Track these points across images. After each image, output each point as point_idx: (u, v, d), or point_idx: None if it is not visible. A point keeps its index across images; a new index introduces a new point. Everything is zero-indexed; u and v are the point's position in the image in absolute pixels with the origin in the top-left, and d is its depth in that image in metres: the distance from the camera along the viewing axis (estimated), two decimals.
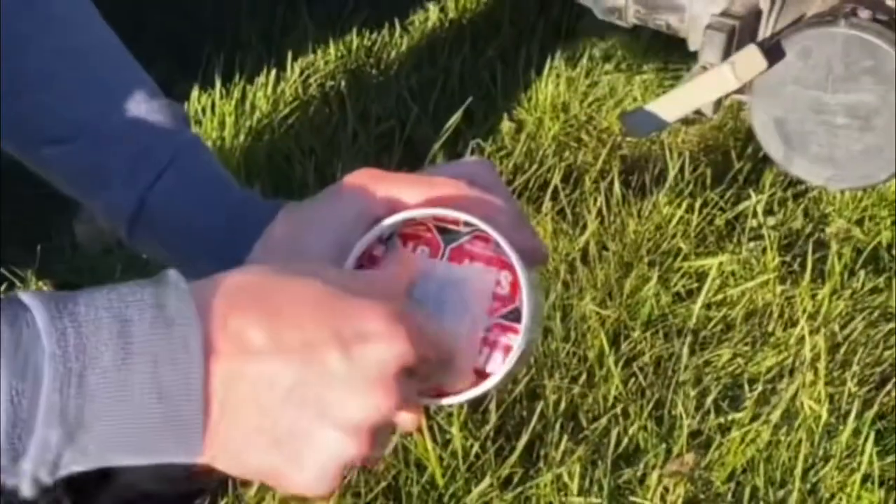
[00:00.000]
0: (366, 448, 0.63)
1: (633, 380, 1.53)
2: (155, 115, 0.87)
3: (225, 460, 0.62)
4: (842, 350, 1.59)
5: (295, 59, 1.97)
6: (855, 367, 1.55)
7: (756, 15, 1.40)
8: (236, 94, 1.88)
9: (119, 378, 0.59)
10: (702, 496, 1.42)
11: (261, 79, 1.92)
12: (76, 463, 0.60)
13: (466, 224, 0.72)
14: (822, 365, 1.54)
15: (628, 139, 1.90)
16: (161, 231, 0.85)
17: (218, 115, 1.81)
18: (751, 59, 1.33)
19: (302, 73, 1.97)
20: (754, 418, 1.49)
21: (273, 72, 1.93)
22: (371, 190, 0.75)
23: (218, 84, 1.87)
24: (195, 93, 1.82)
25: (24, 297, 0.59)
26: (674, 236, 1.72)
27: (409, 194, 0.74)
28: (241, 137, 1.80)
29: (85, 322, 0.59)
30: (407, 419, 0.68)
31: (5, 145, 0.89)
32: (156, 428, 0.60)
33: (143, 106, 0.87)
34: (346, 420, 0.62)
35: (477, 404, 1.49)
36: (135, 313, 0.60)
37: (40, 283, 1.59)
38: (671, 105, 1.42)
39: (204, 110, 1.81)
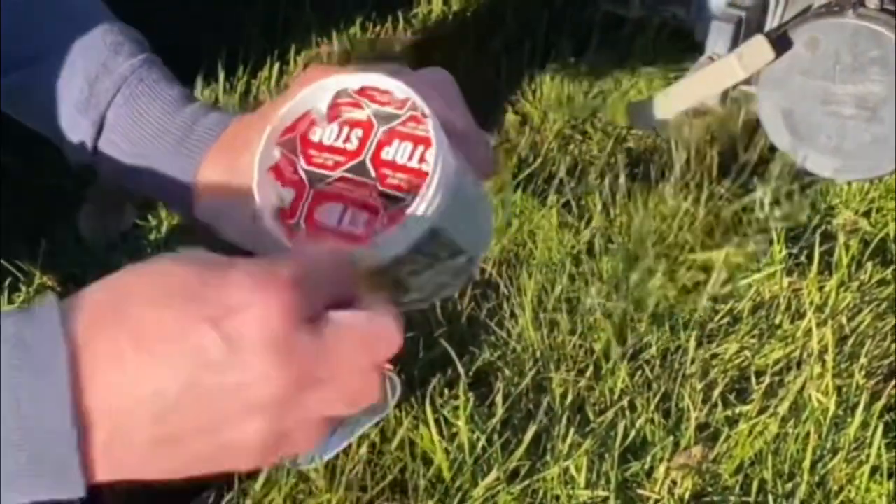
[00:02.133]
0: (277, 424, 0.59)
1: (639, 372, 1.53)
2: (113, 36, 0.88)
3: (133, 474, 0.60)
4: (849, 342, 1.58)
5: (298, 52, 1.97)
6: (863, 360, 1.55)
7: (763, 5, 1.40)
8: (240, 87, 1.88)
9: None
10: (710, 489, 1.42)
11: (264, 72, 1.92)
12: None
13: (399, 103, 0.70)
14: (829, 357, 1.54)
15: (634, 131, 1.90)
16: (119, 152, 0.85)
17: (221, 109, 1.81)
18: (758, 49, 1.33)
19: (305, 66, 1.96)
20: (762, 411, 1.49)
21: (276, 65, 1.93)
22: (317, 78, 0.74)
23: (221, 78, 1.87)
24: (198, 87, 1.82)
25: None
26: (680, 229, 1.71)
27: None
28: None
29: None
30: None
31: None
32: (29, 466, 0.57)
33: (101, 29, 0.88)
34: (256, 400, 0.58)
35: (483, 398, 1.49)
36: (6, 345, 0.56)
37: (45, 278, 1.59)
38: (678, 96, 1.42)
39: None
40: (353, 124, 0.72)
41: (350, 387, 0.62)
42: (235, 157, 0.78)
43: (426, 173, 0.68)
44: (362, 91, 0.71)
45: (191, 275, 0.59)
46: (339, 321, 0.60)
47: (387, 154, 0.70)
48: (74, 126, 0.86)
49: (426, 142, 0.69)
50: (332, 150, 0.72)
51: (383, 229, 0.67)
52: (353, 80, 0.71)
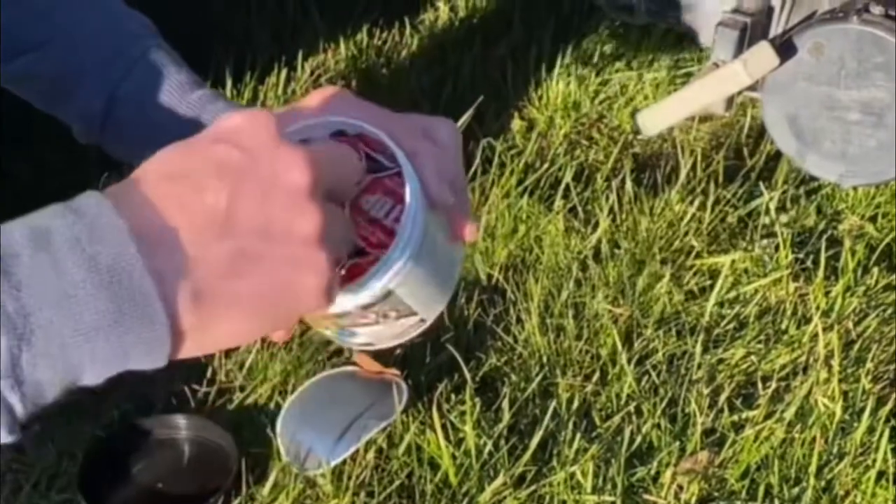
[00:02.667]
0: (322, 212, 0.62)
1: (646, 378, 1.53)
2: (125, 21, 0.89)
3: (212, 310, 0.60)
4: (856, 347, 1.59)
5: (305, 58, 1.98)
6: (869, 364, 1.55)
7: (768, 12, 1.41)
8: (247, 93, 1.89)
9: (46, 261, 0.57)
10: (716, 494, 1.42)
11: (272, 78, 1.93)
12: (38, 370, 0.56)
13: (392, 157, 0.71)
14: (835, 362, 1.54)
15: (640, 137, 1.90)
16: (127, 130, 0.87)
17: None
18: (763, 55, 1.33)
19: (313, 72, 1.97)
20: (768, 416, 1.49)
21: (284, 71, 1.93)
22: (329, 105, 0.75)
23: (229, 84, 1.87)
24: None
25: None
26: (686, 234, 1.72)
27: (362, 117, 0.73)
28: None
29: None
30: None
31: None
32: (109, 305, 0.57)
33: (113, 14, 0.89)
34: (295, 184, 0.61)
35: (489, 403, 1.50)
36: (46, 219, 0.58)
37: None
38: (683, 102, 1.42)
39: None
40: None
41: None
42: None
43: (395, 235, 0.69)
44: (360, 135, 0.72)
45: (189, 139, 0.63)
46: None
47: (366, 203, 0.71)
48: (85, 105, 0.87)
49: (404, 203, 0.70)
50: None
51: (339, 283, 0.67)
52: (352, 124, 0.72)
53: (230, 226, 0.60)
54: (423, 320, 0.74)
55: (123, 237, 0.58)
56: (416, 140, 0.74)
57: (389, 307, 0.71)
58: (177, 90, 0.87)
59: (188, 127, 0.84)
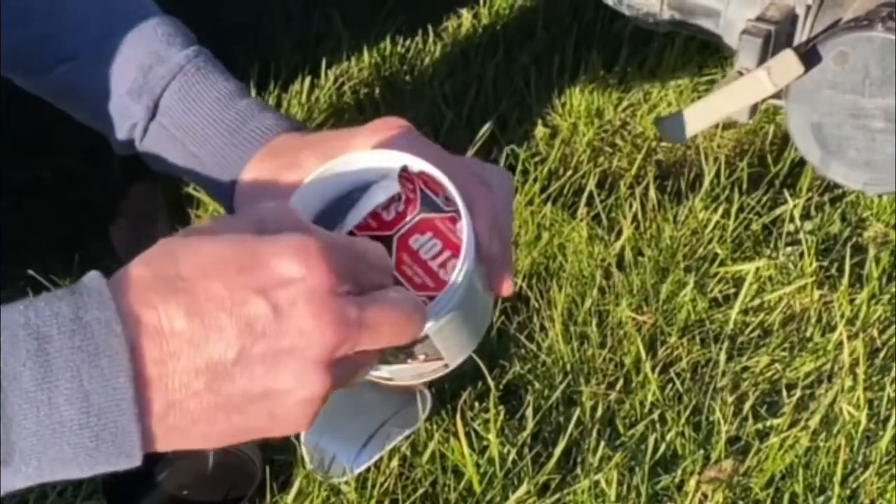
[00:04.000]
0: (331, 380, 0.61)
1: (670, 386, 1.53)
2: (165, 28, 0.88)
3: (184, 444, 0.62)
4: (881, 355, 1.58)
5: (329, 66, 1.98)
6: (894, 372, 1.55)
7: (792, 20, 1.40)
8: (271, 101, 1.90)
9: (41, 398, 0.58)
10: (740, 502, 1.42)
11: (295, 86, 1.94)
12: (12, 484, 0.58)
13: (448, 201, 0.72)
14: (860, 370, 1.54)
15: (663, 144, 1.90)
16: (169, 142, 0.86)
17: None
18: (787, 63, 1.33)
19: (336, 80, 1.98)
20: (793, 424, 1.49)
21: (307, 79, 1.94)
22: (390, 139, 0.75)
23: (253, 92, 1.88)
24: None
25: None
26: (710, 241, 1.72)
27: (421, 154, 0.73)
28: None
29: (2, 342, 0.58)
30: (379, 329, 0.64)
31: (20, 76, 0.91)
32: (88, 444, 0.59)
33: (153, 22, 0.88)
34: (298, 366, 0.61)
35: (513, 411, 1.50)
36: (53, 329, 0.58)
37: None
38: (706, 110, 1.42)
39: None
40: (398, 198, 0.73)
41: (385, 338, 0.65)
42: (281, 169, 0.78)
43: (441, 282, 0.70)
44: (420, 173, 0.72)
45: (239, 243, 0.61)
46: (378, 297, 0.64)
47: (415, 242, 0.72)
48: (125, 113, 0.86)
49: (454, 249, 0.70)
50: (370, 213, 0.73)
51: None
52: (415, 162, 0.72)
53: (230, 379, 0.60)
54: (446, 365, 0.75)
55: (124, 382, 0.59)
56: (472, 186, 0.73)
57: (420, 350, 0.71)
58: (223, 99, 0.85)
59: (231, 137, 0.83)
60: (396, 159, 0.72)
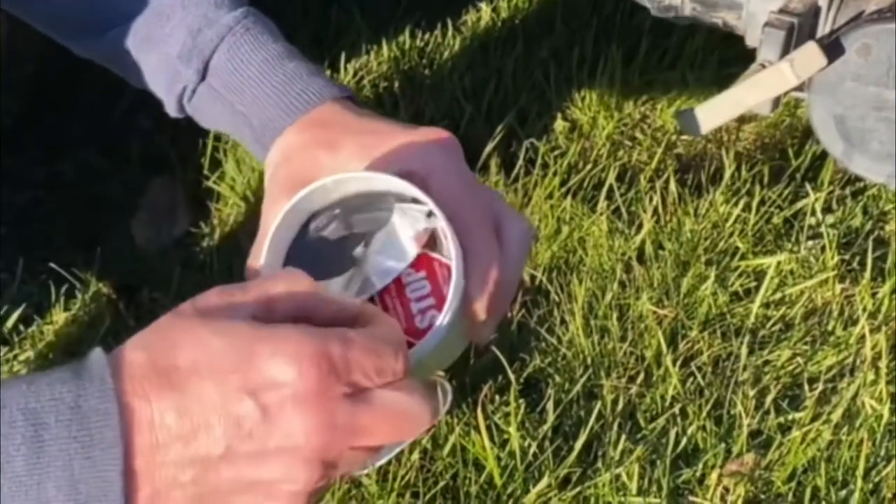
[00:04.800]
0: (320, 474, 0.62)
1: (691, 379, 1.53)
2: None
3: None
4: None
5: (348, 60, 1.98)
6: None
7: (815, 12, 1.40)
8: None
9: (31, 482, 0.59)
10: (762, 496, 1.42)
11: None
12: None
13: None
14: (883, 364, 1.53)
15: (683, 137, 1.90)
16: (217, 103, 0.86)
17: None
18: (810, 56, 1.32)
19: (355, 74, 1.98)
20: (815, 418, 1.48)
21: (327, 73, 1.94)
22: (427, 155, 0.75)
23: None
24: None
25: None
26: (731, 235, 1.71)
27: (444, 186, 0.73)
28: None
29: (1, 424, 0.59)
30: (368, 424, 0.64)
31: (73, 39, 0.92)
32: None
33: None
34: (285, 464, 0.62)
35: (534, 404, 1.50)
36: (50, 416, 0.60)
37: (100, 285, 1.61)
38: (728, 103, 1.42)
39: None
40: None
41: (380, 440, 0.65)
42: (318, 145, 0.79)
43: (414, 328, 0.70)
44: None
45: (237, 342, 0.62)
46: (374, 399, 0.63)
47: (407, 276, 0.72)
48: (176, 77, 0.87)
49: (439, 301, 0.70)
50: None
51: None
52: (424, 201, 0.71)
53: (216, 472, 0.62)
54: None
55: (114, 475, 0.60)
56: (482, 235, 0.72)
57: None
58: (270, 60, 0.85)
59: (279, 100, 0.83)
60: (404, 190, 0.71)
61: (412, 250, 0.71)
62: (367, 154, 0.76)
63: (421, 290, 0.71)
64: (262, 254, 0.72)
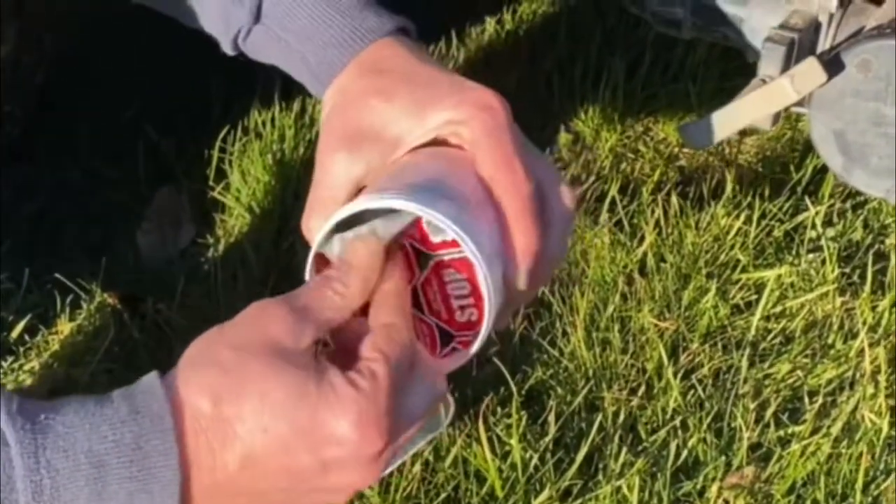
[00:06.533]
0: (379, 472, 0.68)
1: (691, 392, 1.53)
2: None
3: None
4: None
5: None
6: None
7: (815, 27, 1.40)
8: (295, 106, 1.90)
9: None
10: None
11: None
12: None
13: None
14: (882, 377, 1.54)
15: (686, 150, 1.90)
16: (273, 39, 0.88)
17: (278, 127, 1.83)
18: (810, 71, 1.33)
19: None
20: (815, 431, 1.49)
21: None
22: (467, 119, 0.78)
23: (276, 97, 1.89)
24: (255, 106, 1.85)
25: (6, 429, 0.61)
26: (732, 248, 1.72)
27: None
28: (301, 150, 1.82)
29: (62, 470, 0.61)
30: None
31: None
32: None
33: None
34: (342, 483, 0.68)
35: (535, 416, 1.50)
36: (112, 458, 0.62)
37: (105, 296, 1.62)
38: (730, 117, 1.42)
39: (264, 123, 1.84)
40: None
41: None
42: (372, 93, 0.80)
43: (455, 321, 0.73)
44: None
45: (302, 399, 0.65)
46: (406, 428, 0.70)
47: (448, 275, 0.74)
48: (229, 19, 0.88)
49: (478, 302, 0.72)
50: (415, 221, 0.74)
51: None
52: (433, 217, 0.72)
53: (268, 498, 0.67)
54: None
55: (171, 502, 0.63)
56: (525, 221, 0.76)
57: None
58: None
59: (334, 38, 0.84)
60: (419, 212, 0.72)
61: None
62: (420, 110, 0.77)
63: (462, 289, 0.74)
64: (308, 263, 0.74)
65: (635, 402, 1.52)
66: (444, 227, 0.70)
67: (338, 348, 0.70)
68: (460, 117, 0.77)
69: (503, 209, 0.75)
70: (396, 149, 0.77)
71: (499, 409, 1.49)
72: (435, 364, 0.73)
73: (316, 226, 0.75)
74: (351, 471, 0.66)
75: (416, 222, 0.71)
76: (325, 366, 0.67)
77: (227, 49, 0.91)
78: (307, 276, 0.73)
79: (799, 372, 1.57)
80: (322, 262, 0.73)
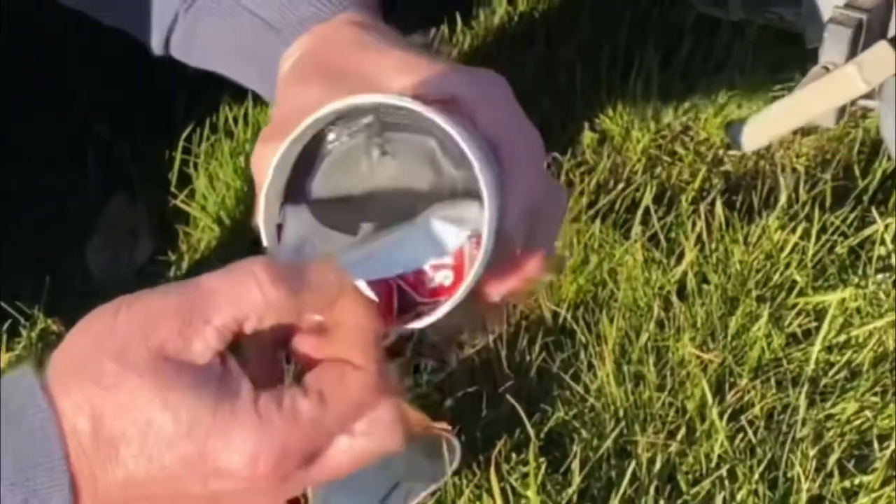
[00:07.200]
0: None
1: (740, 435, 1.54)
2: None
3: None
4: None
5: None
6: None
7: (887, 6, 1.41)
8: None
9: None
10: None
11: None
12: None
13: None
14: None
15: (732, 153, 1.91)
16: (201, 40, 0.93)
17: (252, 125, 1.84)
18: (881, 58, 1.33)
19: None
20: (886, 482, 1.49)
21: None
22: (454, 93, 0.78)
23: (250, 92, 1.89)
24: (224, 100, 1.86)
25: None
26: (787, 267, 1.72)
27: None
28: None
29: None
30: None
31: None
32: None
33: None
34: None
35: (556, 464, 1.50)
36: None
37: (48, 321, 1.62)
38: (785, 113, 1.43)
39: (235, 120, 1.84)
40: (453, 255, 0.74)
41: None
42: (369, 41, 0.82)
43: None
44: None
45: (187, 425, 0.66)
46: (327, 461, 0.70)
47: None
48: (160, 12, 0.93)
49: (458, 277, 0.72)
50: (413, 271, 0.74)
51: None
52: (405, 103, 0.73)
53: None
54: None
55: None
56: (534, 169, 0.77)
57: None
58: None
59: (272, 26, 0.86)
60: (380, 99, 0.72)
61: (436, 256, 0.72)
62: (414, 68, 0.79)
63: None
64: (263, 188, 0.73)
65: (674, 447, 1.52)
66: (463, 147, 0.70)
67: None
68: (457, 80, 0.79)
69: (504, 164, 0.76)
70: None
71: (514, 456, 1.49)
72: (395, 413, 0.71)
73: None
74: (246, 500, 0.69)
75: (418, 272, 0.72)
76: (230, 378, 0.67)
77: (158, 47, 0.96)
78: (265, 241, 0.72)
79: (867, 412, 1.57)
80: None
